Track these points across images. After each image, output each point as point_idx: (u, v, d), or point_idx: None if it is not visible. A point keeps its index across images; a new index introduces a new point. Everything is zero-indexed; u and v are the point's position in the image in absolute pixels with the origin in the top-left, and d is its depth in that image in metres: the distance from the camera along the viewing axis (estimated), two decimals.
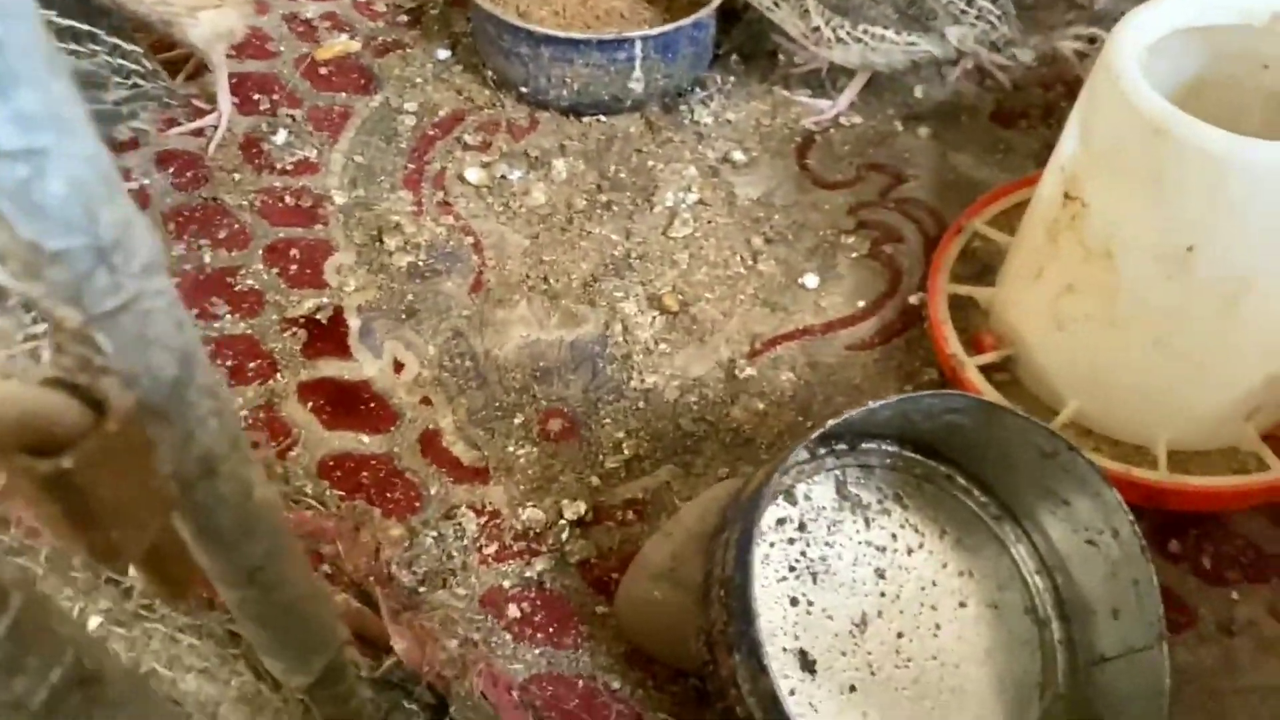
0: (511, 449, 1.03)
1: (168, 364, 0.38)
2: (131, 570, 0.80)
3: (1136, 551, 0.81)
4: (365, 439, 1.03)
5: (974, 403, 0.85)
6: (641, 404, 1.06)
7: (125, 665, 0.67)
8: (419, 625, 0.83)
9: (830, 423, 0.80)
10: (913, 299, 1.13)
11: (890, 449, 0.93)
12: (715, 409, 1.05)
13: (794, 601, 0.86)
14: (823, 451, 0.92)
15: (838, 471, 0.92)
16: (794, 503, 0.90)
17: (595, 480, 1.00)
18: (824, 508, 0.90)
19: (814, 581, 0.87)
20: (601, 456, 1.02)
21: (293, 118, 1.34)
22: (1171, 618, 0.84)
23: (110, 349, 0.35)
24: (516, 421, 1.05)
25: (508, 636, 0.90)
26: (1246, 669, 0.88)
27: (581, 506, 0.98)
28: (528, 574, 0.94)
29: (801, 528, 0.90)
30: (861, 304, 1.14)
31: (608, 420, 1.04)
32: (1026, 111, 1.36)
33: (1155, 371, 0.90)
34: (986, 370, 1.00)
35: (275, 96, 1.37)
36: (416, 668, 0.81)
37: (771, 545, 0.89)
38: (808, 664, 0.83)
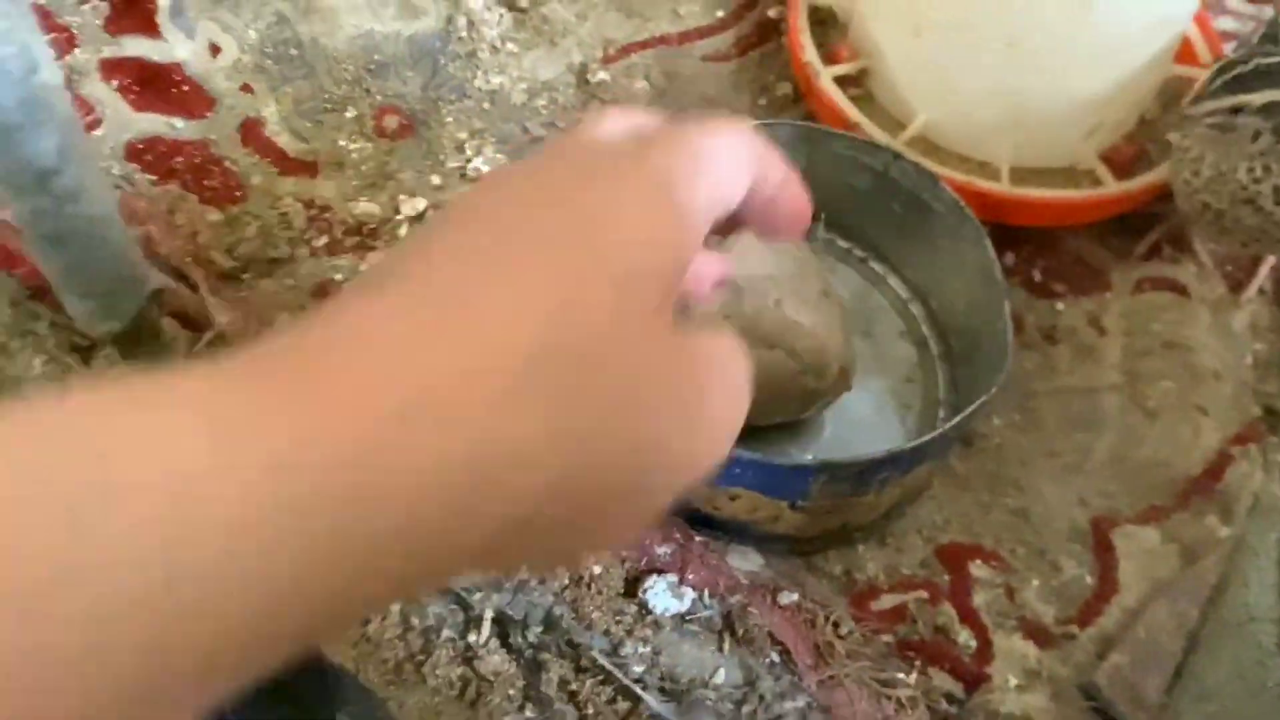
0: (343, 143, 0.95)
1: None
2: None
3: (975, 236, 0.83)
4: (178, 123, 0.93)
5: (797, 130, 0.86)
6: (487, 105, 0.99)
7: None
8: (244, 300, 0.78)
9: None
10: (771, 12, 1.09)
11: None
12: (566, 114, 1.00)
13: None
14: None
15: None
16: None
17: (436, 179, 0.95)
18: None
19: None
20: (443, 156, 0.96)
21: None
22: None
23: None
24: (349, 115, 0.97)
25: None
26: (1063, 372, 0.92)
27: (421, 203, 0.92)
28: (362, 267, 0.89)
29: None
30: (720, 14, 1.09)
31: (449, 120, 0.98)
32: None
33: (1005, 76, 0.90)
34: (841, 84, 0.98)
35: None
36: (240, 341, 0.76)
37: None
38: None
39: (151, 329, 0.64)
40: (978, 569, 0.82)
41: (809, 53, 0.99)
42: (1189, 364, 0.92)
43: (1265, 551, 0.80)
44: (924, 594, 0.80)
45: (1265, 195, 0.79)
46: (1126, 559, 0.82)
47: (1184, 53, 1.00)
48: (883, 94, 0.99)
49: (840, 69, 0.99)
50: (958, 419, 0.75)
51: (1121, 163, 0.97)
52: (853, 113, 0.95)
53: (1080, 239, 0.97)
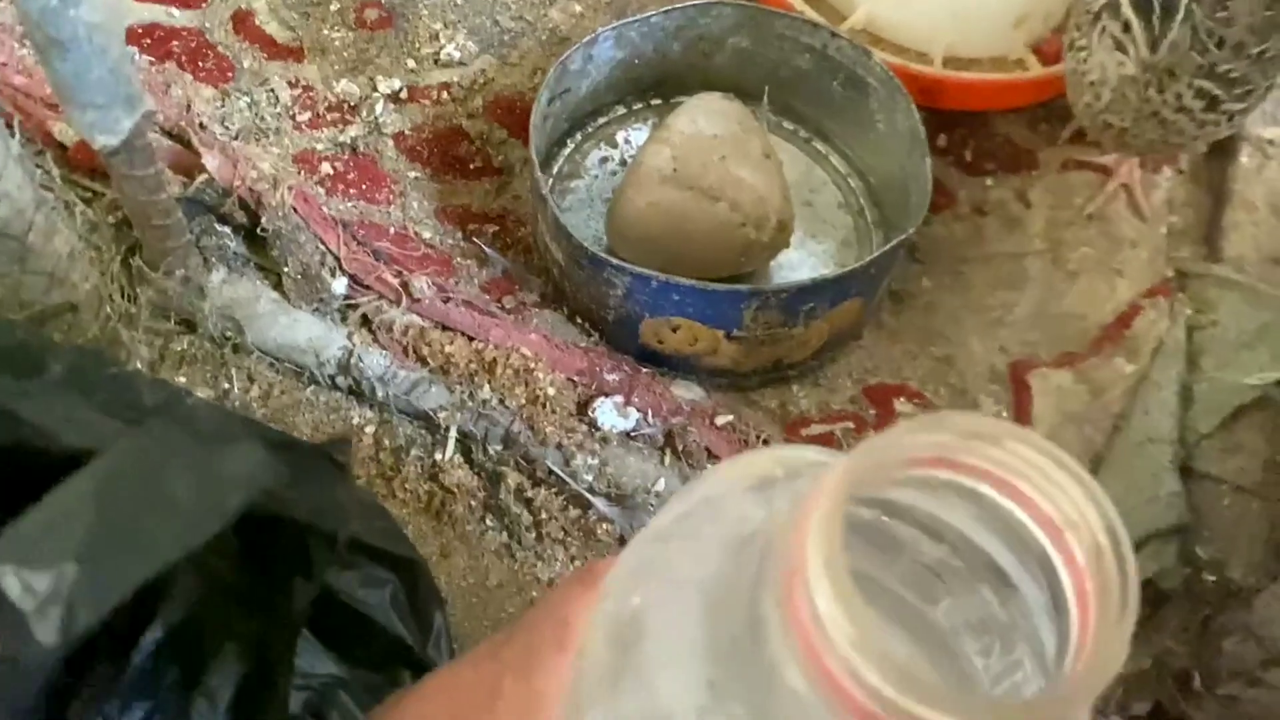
0: (327, 32, 1.03)
1: None
2: None
3: (905, 105, 0.90)
4: (175, 12, 1.01)
5: (741, 11, 0.94)
6: (460, 0, 1.07)
7: None
8: (231, 148, 0.85)
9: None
10: None
11: None
12: (534, 9, 1.08)
13: None
14: (639, 106, 1.02)
15: (654, 117, 0.99)
16: (615, 146, 1.00)
17: (411, 64, 1.02)
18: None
19: None
20: (418, 45, 1.04)
21: None
22: (933, 201, 0.94)
23: None
24: (333, 8, 1.05)
25: (321, 190, 0.93)
26: (991, 240, 0.99)
27: (396, 83, 1.00)
28: (341, 139, 0.97)
29: (623, 163, 0.99)
30: None
31: (425, 13, 1.06)
32: None
33: None
34: None
35: None
36: (227, 184, 0.83)
37: (595, 178, 0.99)
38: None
39: (145, 152, 0.71)
40: (902, 405, 0.89)
41: None
42: (1108, 233, 0.99)
43: (1166, 385, 0.87)
44: (850, 424, 0.87)
45: (1168, 104, 0.84)
46: (1041, 396, 0.89)
47: None
48: None
49: None
50: (877, 253, 0.82)
51: (1050, 54, 1.04)
52: (799, 4, 1.02)
53: (1010, 123, 1.05)
